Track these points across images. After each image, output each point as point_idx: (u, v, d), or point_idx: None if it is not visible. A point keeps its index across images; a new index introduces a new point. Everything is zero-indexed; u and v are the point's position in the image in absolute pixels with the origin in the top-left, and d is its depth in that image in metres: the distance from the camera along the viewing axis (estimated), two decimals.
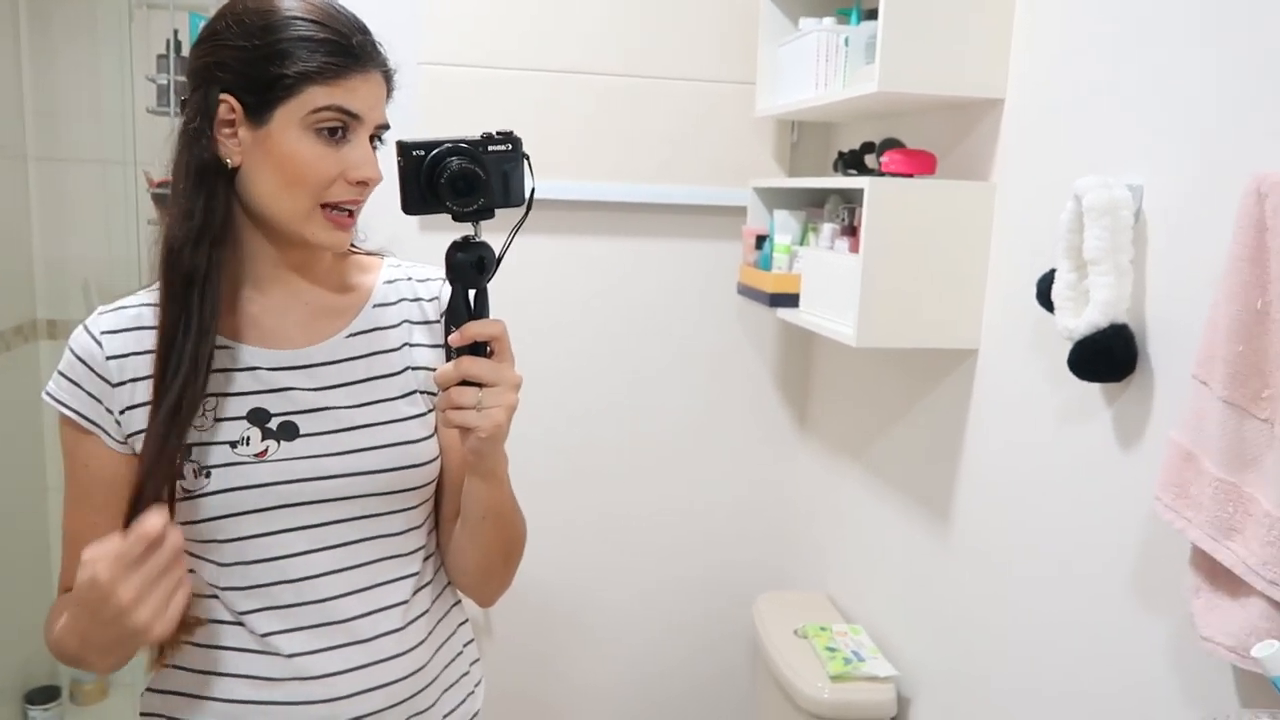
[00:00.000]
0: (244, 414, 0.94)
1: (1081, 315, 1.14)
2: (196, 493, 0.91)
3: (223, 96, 0.89)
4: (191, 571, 0.93)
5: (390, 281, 1.06)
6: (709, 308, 2.14)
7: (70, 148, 2.41)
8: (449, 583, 1.09)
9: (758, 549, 2.26)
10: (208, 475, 0.92)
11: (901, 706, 1.70)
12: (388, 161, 0.89)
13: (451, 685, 1.07)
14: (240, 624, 0.96)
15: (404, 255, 1.11)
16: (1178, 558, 1.02)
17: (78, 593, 0.79)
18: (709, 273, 2.12)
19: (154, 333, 0.93)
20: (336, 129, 0.90)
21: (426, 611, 1.03)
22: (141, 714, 1.01)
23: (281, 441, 0.94)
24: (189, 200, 0.90)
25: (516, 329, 0.90)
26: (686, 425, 2.18)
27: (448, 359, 0.88)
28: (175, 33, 2.17)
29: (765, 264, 1.85)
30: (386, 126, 0.95)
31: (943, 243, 1.46)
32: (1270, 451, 0.90)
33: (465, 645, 1.12)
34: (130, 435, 0.93)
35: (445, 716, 1.05)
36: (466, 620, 1.13)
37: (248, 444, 0.93)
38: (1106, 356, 1.13)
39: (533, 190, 0.90)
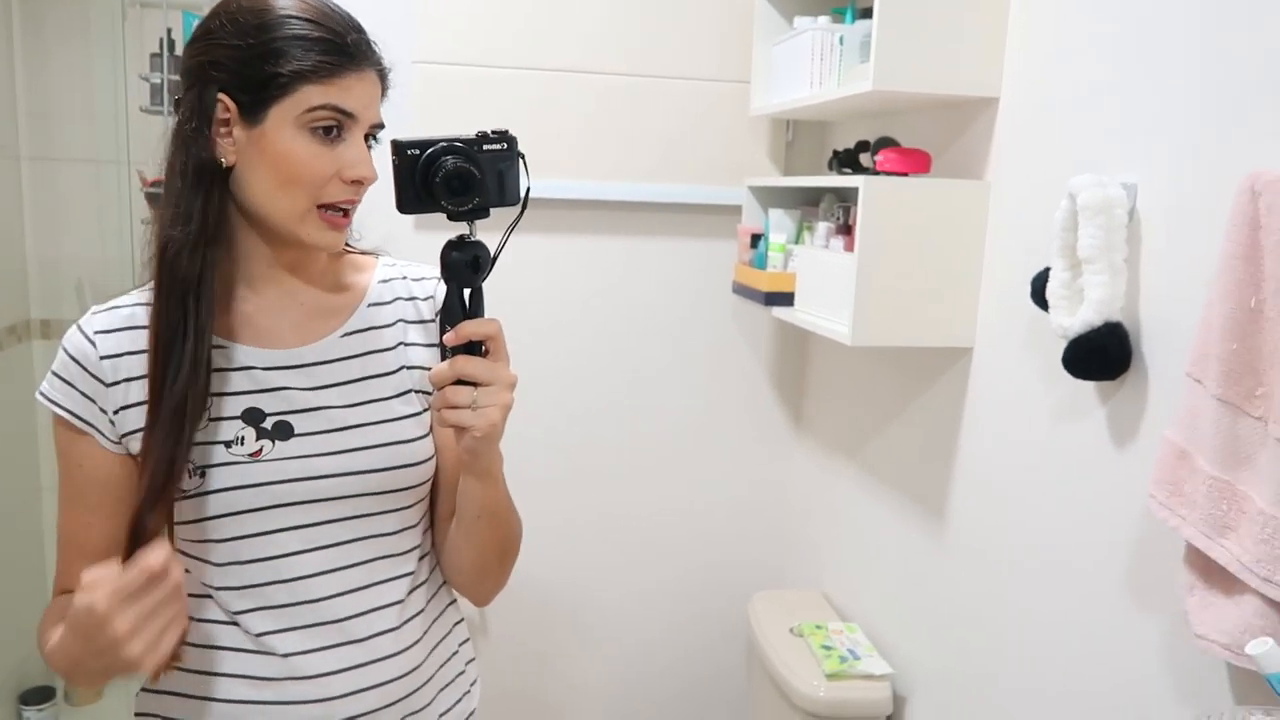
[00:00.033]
0: (239, 414, 0.94)
1: (1076, 313, 1.14)
2: (191, 492, 0.91)
3: (217, 95, 0.89)
4: (188, 572, 0.92)
5: (385, 281, 1.05)
6: (704, 307, 2.14)
7: (63, 147, 2.40)
8: (444, 582, 1.09)
9: (753, 548, 2.26)
10: (202, 475, 0.91)
11: (897, 704, 1.70)
12: (383, 161, 0.89)
13: (447, 684, 1.07)
14: (235, 624, 0.95)
15: (399, 254, 1.10)
16: (1172, 555, 1.03)
17: (74, 616, 0.78)
18: (704, 271, 2.12)
19: (147, 332, 0.92)
20: (331, 128, 0.90)
21: (422, 611, 1.03)
22: (137, 714, 1.01)
23: (276, 441, 0.94)
24: (185, 201, 0.90)
25: (512, 328, 0.90)
26: (683, 424, 2.18)
27: (443, 358, 0.88)
28: (169, 31, 2.16)
29: (760, 263, 1.85)
30: (381, 125, 0.95)
31: (937, 241, 1.46)
32: (1264, 449, 0.90)
33: (461, 644, 1.12)
34: (125, 435, 0.93)
35: (441, 716, 1.05)
36: (462, 619, 1.13)
37: (242, 444, 0.93)
38: (1101, 355, 1.14)
39: (528, 189, 0.90)
